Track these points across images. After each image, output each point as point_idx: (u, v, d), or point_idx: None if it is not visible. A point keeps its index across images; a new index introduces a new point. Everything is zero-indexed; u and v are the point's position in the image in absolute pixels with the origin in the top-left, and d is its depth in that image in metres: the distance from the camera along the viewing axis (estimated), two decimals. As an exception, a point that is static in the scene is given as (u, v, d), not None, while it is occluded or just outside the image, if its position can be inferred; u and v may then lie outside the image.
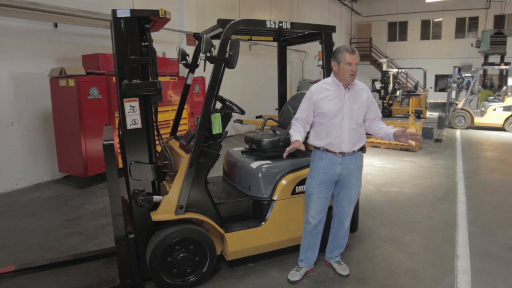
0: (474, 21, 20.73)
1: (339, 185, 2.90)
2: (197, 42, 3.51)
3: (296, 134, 2.81)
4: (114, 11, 2.50)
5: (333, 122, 2.75)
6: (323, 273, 3.05)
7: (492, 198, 5.06)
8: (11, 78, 5.44)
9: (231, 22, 2.75)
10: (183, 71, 7.21)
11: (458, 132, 11.33)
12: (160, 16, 2.58)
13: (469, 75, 13.66)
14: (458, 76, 12.61)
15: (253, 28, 3.24)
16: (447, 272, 3.08)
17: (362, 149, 2.89)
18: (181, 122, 3.88)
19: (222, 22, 2.82)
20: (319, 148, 2.84)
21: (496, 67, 13.70)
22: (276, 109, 4.39)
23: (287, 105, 3.79)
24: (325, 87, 2.81)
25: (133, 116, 2.60)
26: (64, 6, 5.86)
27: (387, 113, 14.75)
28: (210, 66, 2.80)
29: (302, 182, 3.12)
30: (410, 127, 8.51)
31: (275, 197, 3.05)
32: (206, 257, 2.82)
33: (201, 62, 3.19)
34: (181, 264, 2.75)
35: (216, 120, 2.86)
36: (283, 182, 3.09)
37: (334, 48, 2.85)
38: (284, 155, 2.76)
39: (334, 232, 3.05)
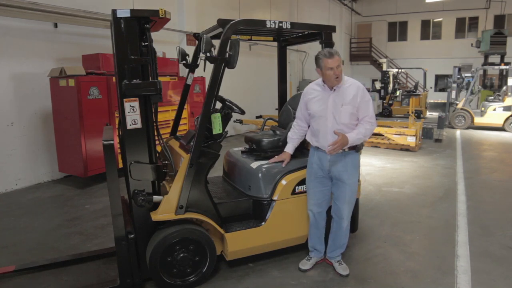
0: (474, 21, 20.73)
1: (333, 184, 2.95)
2: (197, 42, 3.51)
3: (289, 144, 3.17)
4: (114, 11, 2.50)
5: (319, 122, 2.86)
6: (323, 273, 3.05)
7: (492, 198, 5.06)
8: (11, 78, 5.44)
9: (231, 22, 2.76)
10: (183, 71, 7.21)
11: (458, 132, 11.33)
12: (160, 16, 2.58)
13: (469, 75, 13.65)
14: (458, 76, 12.60)
15: (253, 28, 3.24)
16: (447, 272, 3.08)
17: (355, 149, 2.89)
18: (181, 122, 3.88)
19: (222, 22, 2.82)
20: (313, 146, 2.99)
21: (496, 67, 13.70)
22: (276, 109, 4.39)
23: (287, 105, 3.79)
24: (315, 88, 2.92)
25: (133, 116, 2.60)
26: (64, 6, 5.86)
27: (387, 113, 14.75)
28: (210, 66, 2.80)
29: (302, 182, 3.13)
30: (410, 127, 8.52)
31: (275, 197, 3.05)
32: (206, 257, 2.82)
33: (201, 62, 3.19)
34: (181, 264, 2.75)
35: (216, 120, 2.86)
36: (283, 182, 3.09)
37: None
38: (271, 161, 3.15)
39: (334, 232, 3.07)
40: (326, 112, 2.80)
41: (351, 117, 2.79)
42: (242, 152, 3.60)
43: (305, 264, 3.08)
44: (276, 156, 3.18)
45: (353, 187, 2.93)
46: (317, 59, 2.76)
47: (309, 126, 3.07)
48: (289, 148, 3.15)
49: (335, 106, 2.78)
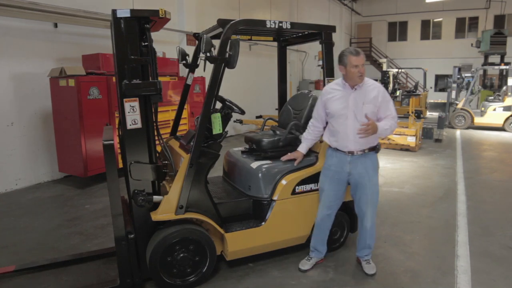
0: (474, 21, 20.73)
1: (353, 185, 2.94)
2: (197, 42, 3.51)
3: (303, 144, 3.16)
4: (114, 11, 2.50)
5: (339, 121, 2.84)
6: (323, 273, 3.05)
7: (492, 198, 5.06)
8: (11, 78, 5.44)
9: (231, 22, 2.76)
10: (183, 71, 7.21)
11: (458, 132, 11.33)
12: (160, 16, 2.58)
13: (469, 75, 13.65)
14: (458, 76, 12.60)
15: (253, 28, 3.24)
16: (447, 272, 3.08)
17: (375, 149, 2.91)
18: (181, 122, 3.88)
19: (222, 22, 2.82)
20: (331, 146, 2.96)
21: (496, 67, 13.70)
22: (276, 109, 4.39)
23: (287, 105, 3.79)
24: (334, 87, 2.90)
25: (133, 116, 2.60)
26: (64, 6, 5.86)
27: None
28: (210, 66, 2.80)
29: (302, 182, 3.13)
30: (410, 127, 8.51)
31: (275, 197, 3.05)
32: (206, 257, 2.82)
33: (201, 62, 3.19)
34: (181, 264, 2.75)
35: (216, 120, 2.86)
36: (283, 182, 3.08)
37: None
38: (283, 158, 3.17)
39: (358, 232, 3.08)
40: (347, 110, 2.79)
41: (372, 116, 2.79)
42: (242, 152, 3.60)
43: (305, 264, 3.08)
44: (289, 154, 3.19)
45: (374, 189, 2.93)
46: (341, 56, 2.76)
47: (324, 128, 3.08)
48: (302, 148, 3.16)
49: (356, 105, 2.78)
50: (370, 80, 2.85)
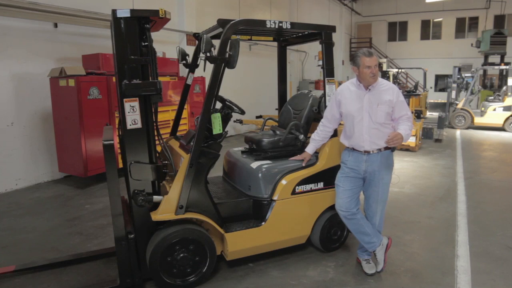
0: (474, 21, 20.74)
1: (366, 182, 2.96)
2: (197, 42, 3.51)
3: (310, 144, 3.20)
4: (114, 11, 2.50)
5: (354, 122, 2.86)
6: (323, 273, 3.05)
7: (492, 198, 5.06)
8: (11, 78, 5.44)
9: (231, 22, 2.76)
10: (183, 71, 7.21)
11: (458, 132, 11.33)
12: (160, 16, 2.58)
13: (469, 75, 13.65)
14: (458, 76, 12.60)
15: (253, 28, 3.24)
16: (447, 272, 3.08)
17: (390, 148, 2.91)
18: (181, 122, 3.88)
19: (222, 22, 2.82)
20: (347, 147, 2.99)
21: (496, 67, 13.70)
22: (276, 109, 4.39)
23: (287, 105, 3.79)
24: (349, 87, 2.92)
25: (133, 116, 2.60)
26: (64, 6, 5.86)
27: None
28: (210, 66, 2.80)
29: (302, 182, 3.13)
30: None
31: (275, 197, 3.05)
32: (206, 257, 2.82)
33: (201, 62, 3.19)
34: (181, 264, 2.75)
35: (216, 120, 2.86)
36: (283, 182, 3.09)
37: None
38: (291, 159, 3.23)
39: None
40: (361, 111, 2.81)
41: (386, 117, 2.81)
42: (242, 152, 3.60)
43: (371, 268, 3.03)
44: (298, 155, 3.24)
45: (386, 187, 2.95)
46: (355, 57, 2.78)
47: (334, 129, 3.11)
48: (310, 149, 3.20)
49: (371, 106, 2.79)
50: (383, 80, 2.86)
